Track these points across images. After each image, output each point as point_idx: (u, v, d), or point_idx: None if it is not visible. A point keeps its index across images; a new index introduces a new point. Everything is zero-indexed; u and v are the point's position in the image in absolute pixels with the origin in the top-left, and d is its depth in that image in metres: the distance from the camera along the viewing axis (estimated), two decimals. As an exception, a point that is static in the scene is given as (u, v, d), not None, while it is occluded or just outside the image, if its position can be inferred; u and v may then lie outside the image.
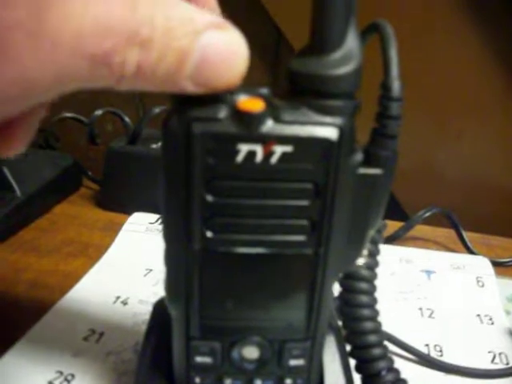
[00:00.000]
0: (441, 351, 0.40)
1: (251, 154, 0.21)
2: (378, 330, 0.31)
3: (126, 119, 0.62)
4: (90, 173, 0.66)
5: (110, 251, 0.50)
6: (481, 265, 0.51)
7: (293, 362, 0.26)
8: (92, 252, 0.52)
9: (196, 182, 0.21)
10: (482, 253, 0.55)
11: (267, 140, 0.20)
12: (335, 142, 0.21)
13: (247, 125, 0.20)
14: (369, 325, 0.30)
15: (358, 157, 0.23)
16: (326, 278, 0.24)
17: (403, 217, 0.64)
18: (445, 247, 0.58)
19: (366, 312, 0.30)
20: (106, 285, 0.45)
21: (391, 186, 0.24)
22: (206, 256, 0.23)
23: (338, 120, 0.21)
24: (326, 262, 0.23)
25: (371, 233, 0.25)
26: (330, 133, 0.21)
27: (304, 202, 0.22)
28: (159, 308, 0.32)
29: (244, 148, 0.20)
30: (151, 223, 0.55)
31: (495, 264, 0.53)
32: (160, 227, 0.53)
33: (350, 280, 0.30)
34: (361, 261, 0.27)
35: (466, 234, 0.57)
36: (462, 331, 0.43)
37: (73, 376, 0.35)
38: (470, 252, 0.56)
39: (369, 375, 0.30)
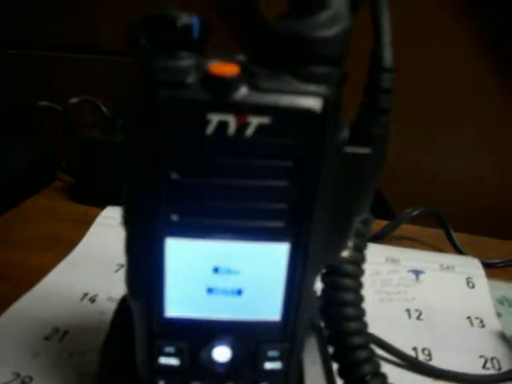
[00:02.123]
0: (429, 355, 0.38)
1: (223, 126, 0.18)
2: (363, 330, 0.28)
3: (103, 108, 0.59)
4: (64, 164, 0.63)
5: (81, 245, 0.48)
6: (471, 265, 0.49)
7: (268, 365, 0.23)
8: (63, 246, 0.49)
9: (161, 158, 0.18)
10: (471, 254, 0.53)
11: (241, 110, 0.18)
12: (319, 114, 0.18)
13: (219, 92, 0.18)
14: (354, 325, 0.28)
15: (345, 133, 0.20)
16: (306, 271, 0.21)
17: (390, 217, 0.62)
18: (432, 247, 0.56)
19: (350, 311, 0.27)
20: (74, 281, 0.42)
21: (382, 168, 0.21)
22: (171, 243, 0.20)
23: (322, 89, 0.18)
24: (307, 252, 0.21)
25: (357, 222, 0.23)
26: (313, 103, 0.18)
27: (283, 183, 0.19)
28: (125, 304, 0.29)
29: (215, 118, 0.18)
30: (125, 217, 0.52)
31: (485, 265, 0.51)
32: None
33: (333, 276, 0.27)
34: (345, 253, 0.25)
35: (454, 234, 0.55)
36: (451, 334, 0.40)
37: (30, 378, 0.32)
38: (459, 252, 0.54)
39: (353, 380, 0.27)
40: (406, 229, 0.57)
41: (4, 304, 0.39)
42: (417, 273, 0.47)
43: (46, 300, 0.39)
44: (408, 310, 0.43)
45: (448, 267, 0.48)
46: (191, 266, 0.21)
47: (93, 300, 0.40)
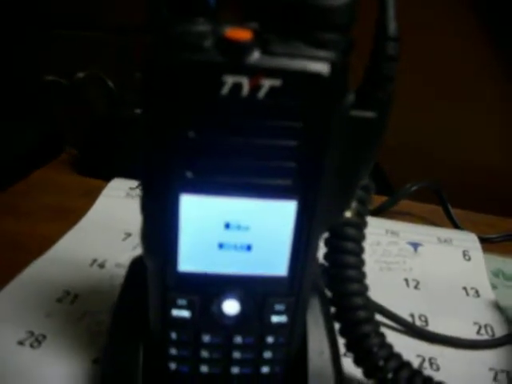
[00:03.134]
0: (426, 321, 0.39)
1: (237, 87, 0.19)
2: (364, 292, 0.29)
3: (110, 83, 0.59)
4: (70, 139, 0.64)
5: (89, 215, 0.49)
6: (468, 239, 0.50)
7: (275, 319, 0.24)
8: (70, 216, 0.50)
9: (178, 117, 0.20)
10: (468, 229, 0.55)
11: (254, 72, 0.19)
12: (327, 78, 0.19)
13: (233, 55, 0.19)
14: (355, 286, 0.29)
15: (351, 98, 0.21)
16: (312, 228, 0.22)
17: (390, 192, 0.63)
18: (431, 223, 0.57)
19: (352, 273, 0.29)
20: (83, 247, 0.43)
21: (385, 132, 0.22)
22: (185, 199, 0.21)
23: (330, 55, 0.19)
24: (314, 210, 0.22)
25: (360, 184, 0.24)
26: (321, 67, 0.19)
27: (292, 142, 0.20)
28: (136, 266, 0.31)
29: (229, 80, 0.19)
30: (132, 188, 0.53)
31: (482, 240, 0.52)
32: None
33: (336, 239, 0.29)
34: (348, 214, 0.26)
35: (452, 211, 0.56)
36: (447, 302, 0.42)
37: (44, 337, 0.33)
38: (457, 227, 0.55)
39: (353, 338, 0.29)
40: (405, 204, 0.58)
41: (16, 270, 0.40)
42: (415, 245, 0.48)
43: (56, 265, 0.41)
44: (406, 280, 0.44)
45: (446, 240, 0.50)
46: (204, 221, 0.22)
47: (102, 266, 0.41)
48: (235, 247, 0.23)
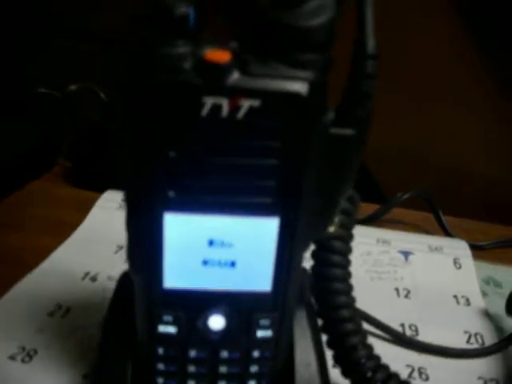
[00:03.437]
0: (416, 331, 0.40)
1: (217, 108, 0.19)
2: (351, 304, 0.30)
3: (102, 95, 0.60)
4: (63, 150, 0.64)
5: (82, 227, 0.49)
6: (458, 247, 0.51)
7: (260, 334, 0.25)
8: (63, 229, 0.50)
9: (158, 137, 0.20)
10: (459, 236, 0.55)
11: (233, 93, 0.19)
12: (306, 98, 0.20)
13: (213, 76, 0.19)
14: (342, 299, 0.29)
15: (330, 115, 0.22)
16: (295, 244, 0.23)
17: (382, 201, 0.63)
18: (423, 230, 0.58)
19: (338, 285, 0.29)
20: (76, 261, 0.44)
21: (364, 149, 0.23)
22: (169, 218, 0.21)
23: (309, 74, 0.20)
24: (295, 227, 0.22)
25: (342, 200, 0.24)
26: (300, 87, 0.20)
27: (271, 161, 0.21)
28: (125, 279, 0.31)
29: (209, 101, 0.19)
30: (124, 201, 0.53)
31: (472, 247, 0.52)
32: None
33: (322, 252, 0.29)
34: (332, 229, 0.26)
35: (444, 218, 0.57)
36: (438, 311, 0.42)
37: (35, 351, 0.34)
38: (448, 235, 0.55)
39: (341, 350, 0.29)
40: (397, 212, 0.58)
41: (7, 284, 0.40)
42: (406, 254, 0.49)
43: (48, 279, 0.41)
44: (397, 289, 0.44)
45: (436, 248, 0.50)
46: (188, 239, 0.22)
47: (94, 279, 0.42)
48: (219, 264, 0.23)
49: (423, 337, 0.39)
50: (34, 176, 0.61)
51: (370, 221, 0.55)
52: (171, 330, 0.24)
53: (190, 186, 0.21)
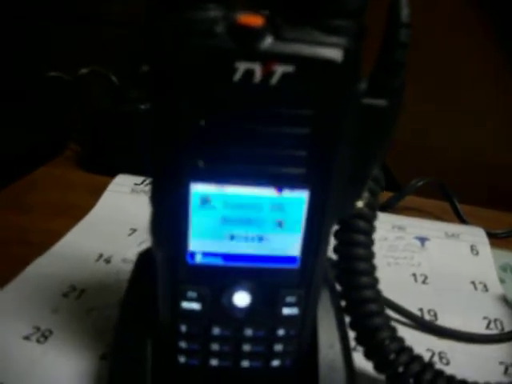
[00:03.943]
0: (435, 316, 0.39)
1: (249, 73, 0.19)
2: (374, 285, 0.29)
3: (113, 78, 0.59)
4: (74, 135, 0.63)
5: (94, 211, 0.49)
6: (475, 234, 0.50)
7: (286, 311, 0.24)
8: (75, 212, 0.50)
9: (188, 105, 0.19)
10: (474, 224, 0.54)
11: (267, 58, 0.19)
12: (340, 64, 0.19)
13: (246, 41, 0.18)
14: (365, 279, 0.29)
15: (363, 85, 0.21)
16: (324, 218, 0.22)
17: (396, 189, 0.63)
18: (437, 218, 0.57)
19: (362, 265, 0.28)
20: (89, 243, 0.43)
21: (398, 120, 0.22)
22: (196, 189, 0.21)
23: (343, 41, 0.19)
24: (326, 199, 0.21)
25: (372, 174, 0.24)
26: (335, 54, 0.19)
27: (303, 130, 0.20)
28: (143, 260, 0.31)
29: (242, 66, 0.19)
30: (137, 184, 0.53)
31: (488, 235, 0.51)
32: (146, 188, 0.51)
33: (346, 232, 0.28)
34: (360, 204, 0.25)
35: (459, 206, 0.56)
36: (456, 297, 0.41)
37: (50, 332, 0.33)
38: (463, 223, 0.54)
39: (364, 332, 0.29)
40: (411, 200, 0.57)
41: (21, 265, 0.40)
42: (422, 240, 0.48)
43: (62, 260, 0.40)
44: (414, 275, 0.44)
45: (453, 235, 0.49)
46: (215, 212, 0.22)
47: (108, 261, 0.41)
48: (246, 238, 0.22)
49: (442, 322, 0.38)
50: (45, 161, 0.61)
51: (384, 208, 0.54)
52: (195, 306, 0.24)
53: (218, 155, 0.20)
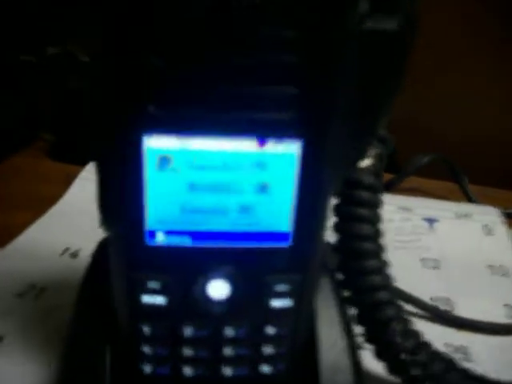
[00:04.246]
0: (450, 305, 0.34)
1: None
2: (382, 269, 0.24)
3: (83, 58, 0.54)
4: (44, 121, 0.58)
5: (62, 201, 0.44)
6: (489, 213, 0.45)
7: (276, 303, 0.19)
8: (43, 205, 0.45)
9: (139, 35, 0.14)
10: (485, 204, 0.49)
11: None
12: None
13: None
14: (373, 262, 0.24)
15: (363, 5, 0.16)
16: (322, 179, 0.17)
17: (395, 170, 0.58)
18: (445, 199, 0.52)
19: (368, 245, 0.23)
20: (54, 236, 0.38)
21: (411, 48, 0.17)
22: (150, 143, 0.16)
23: None
24: (323, 153, 0.16)
25: (380, 125, 0.19)
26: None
27: (290, 58, 0.15)
28: (102, 251, 0.25)
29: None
30: (111, 171, 0.47)
31: (504, 215, 0.47)
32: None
33: (348, 205, 0.23)
34: (365, 163, 0.20)
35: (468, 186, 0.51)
36: (471, 283, 0.37)
37: (1, 338, 0.28)
38: (474, 203, 0.49)
39: (374, 326, 0.24)
40: (414, 181, 0.53)
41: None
42: (431, 221, 0.43)
43: (20, 256, 0.35)
44: (423, 260, 0.39)
45: (464, 215, 0.44)
46: (177, 173, 0.16)
47: (74, 255, 0.36)
48: (221, 208, 0.17)
49: (458, 311, 0.34)
50: (14, 150, 0.56)
51: (386, 189, 0.49)
52: (159, 300, 0.19)
53: (178, 96, 0.15)
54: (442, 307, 0.34)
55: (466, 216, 0.44)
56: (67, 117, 0.55)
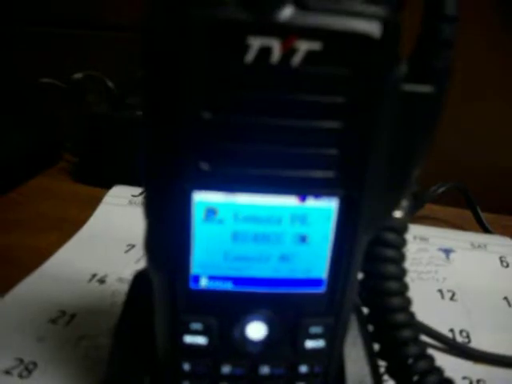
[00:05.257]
0: (468, 337, 0.35)
1: (265, 52, 0.15)
2: (407, 307, 0.25)
3: (109, 83, 0.55)
4: (68, 144, 0.60)
5: (88, 225, 0.45)
6: (504, 244, 0.46)
7: (310, 344, 0.20)
8: (67, 227, 0.46)
9: (189, 92, 0.15)
10: (499, 234, 0.50)
11: (287, 32, 0.15)
12: (378, 40, 0.15)
13: (261, 11, 0.15)
14: (397, 300, 0.25)
15: (403, 68, 0.17)
16: (357, 231, 0.18)
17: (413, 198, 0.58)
18: (458, 227, 0.53)
19: (394, 285, 0.24)
20: (81, 261, 0.39)
21: (442, 111, 0.18)
22: (199, 198, 0.17)
23: (382, 11, 0.15)
24: (360, 209, 0.17)
25: (415, 174, 0.20)
26: (371, 27, 0.15)
27: (334, 124, 0.16)
28: (140, 280, 0.27)
29: (255, 43, 0.15)
30: (134, 196, 0.49)
31: (517, 245, 0.47)
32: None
33: (374, 246, 0.24)
34: (398, 214, 0.21)
35: (482, 214, 0.52)
36: (489, 315, 0.37)
37: (35, 364, 0.29)
38: (488, 232, 0.50)
39: (398, 362, 0.24)
40: (429, 209, 0.53)
41: (6, 287, 0.36)
42: (447, 252, 0.44)
43: (50, 282, 0.36)
44: (440, 291, 0.40)
45: (480, 246, 0.45)
46: (223, 226, 0.18)
47: (102, 281, 0.37)
48: (262, 258, 0.18)
49: (476, 344, 0.34)
50: (37, 172, 0.57)
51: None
52: (200, 340, 0.20)
53: (227, 156, 0.16)
54: (460, 339, 0.35)
55: (482, 247, 0.45)
56: (91, 140, 0.56)
